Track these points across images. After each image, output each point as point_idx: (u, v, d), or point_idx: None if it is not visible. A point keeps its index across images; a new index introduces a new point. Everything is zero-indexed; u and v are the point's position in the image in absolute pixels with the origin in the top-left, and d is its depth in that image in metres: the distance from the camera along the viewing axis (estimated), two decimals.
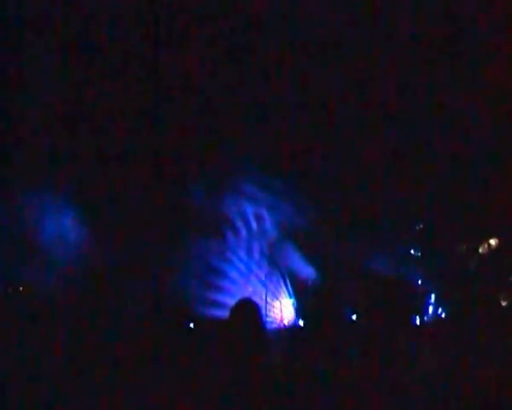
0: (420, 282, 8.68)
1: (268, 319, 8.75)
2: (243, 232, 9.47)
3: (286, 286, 9.33)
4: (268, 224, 9.48)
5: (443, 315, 8.19)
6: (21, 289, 8.11)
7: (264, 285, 9.20)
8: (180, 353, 4.19)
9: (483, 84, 8.52)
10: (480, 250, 8.32)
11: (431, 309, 8.48)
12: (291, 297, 9.27)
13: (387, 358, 3.39)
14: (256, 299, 7.17)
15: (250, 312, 3.39)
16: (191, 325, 8.64)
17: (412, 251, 8.87)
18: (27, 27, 8.81)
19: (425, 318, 8.34)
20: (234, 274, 9.37)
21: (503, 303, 7.50)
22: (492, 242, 8.29)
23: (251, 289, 9.27)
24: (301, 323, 8.94)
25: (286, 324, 9.10)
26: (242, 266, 9.43)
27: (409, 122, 8.86)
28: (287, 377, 3.15)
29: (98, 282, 8.37)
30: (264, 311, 8.18)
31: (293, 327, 8.87)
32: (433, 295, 8.56)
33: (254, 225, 9.49)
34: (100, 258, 8.76)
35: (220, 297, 9.04)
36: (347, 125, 9.08)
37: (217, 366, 3.24)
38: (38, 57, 8.79)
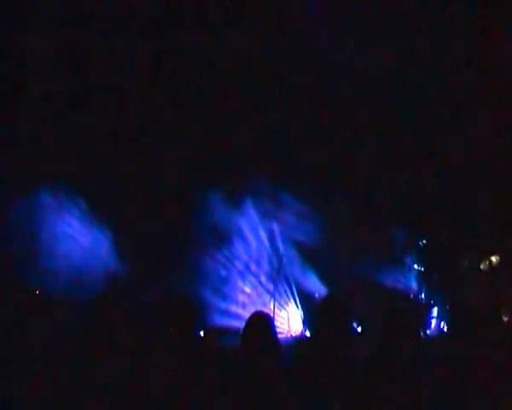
0: (423, 296, 8.81)
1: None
2: (253, 244, 9.57)
3: (294, 297, 9.39)
4: (278, 236, 9.60)
5: (445, 329, 8.26)
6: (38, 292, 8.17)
7: (273, 296, 9.25)
8: (190, 361, 4.27)
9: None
10: (482, 267, 8.40)
11: (434, 323, 8.59)
12: (299, 308, 9.34)
13: (395, 369, 3.50)
14: (264, 309, 7.33)
15: (264, 324, 3.54)
16: (201, 334, 8.69)
17: (416, 266, 9.00)
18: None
19: (428, 331, 8.43)
20: (243, 284, 9.47)
21: (505, 319, 7.55)
22: (493, 258, 8.37)
23: (259, 300, 9.39)
24: (308, 334, 8.99)
25: (293, 334, 9.14)
26: (252, 277, 9.53)
27: (416, 139, 8.96)
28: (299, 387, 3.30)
29: (112, 286, 8.46)
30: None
31: (301, 338, 8.90)
32: (435, 309, 8.68)
33: (264, 237, 9.61)
34: (114, 263, 8.95)
35: (230, 307, 9.17)
36: (356, 141, 9.17)
37: (230, 376, 3.39)
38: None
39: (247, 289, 9.48)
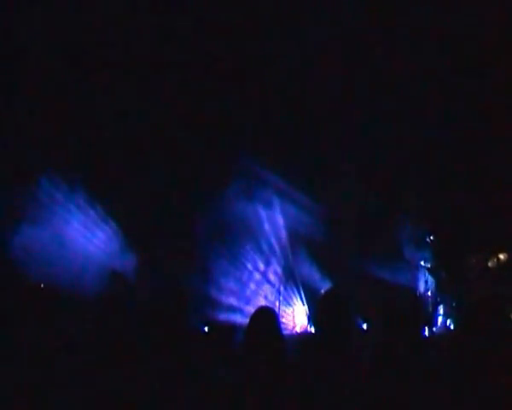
0: (429, 293, 8.77)
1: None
2: (260, 240, 9.57)
3: (299, 293, 9.43)
4: (283, 231, 9.62)
5: (451, 326, 8.24)
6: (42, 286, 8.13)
7: (278, 292, 9.29)
8: (195, 356, 4.27)
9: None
10: (490, 264, 8.35)
11: (440, 320, 8.56)
12: (304, 304, 9.37)
13: (400, 367, 3.47)
14: (270, 305, 7.32)
15: (268, 320, 3.53)
16: (206, 329, 8.72)
17: (423, 263, 8.97)
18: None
19: (434, 329, 8.39)
20: (248, 280, 9.50)
21: None
22: (501, 256, 8.32)
23: (265, 296, 9.43)
24: (313, 330, 9.07)
25: (298, 330, 9.17)
26: (257, 273, 9.56)
27: (422, 136, 8.93)
28: (303, 383, 3.28)
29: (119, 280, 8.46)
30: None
31: (305, 334, 8.93)
32: (441, 307, 8.64)
33: (270, 232, 9.63)
34: (118, 256, 8.96)
35: (235, 302, 9.21)
36: (360, 135, 9.17)
37: (235, 371, 3.38)
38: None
39: (253, 285, 9.48)
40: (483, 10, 8.25)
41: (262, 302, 8.94)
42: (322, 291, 9.05)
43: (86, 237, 9.01)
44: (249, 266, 9.52)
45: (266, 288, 9.49)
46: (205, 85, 9.12)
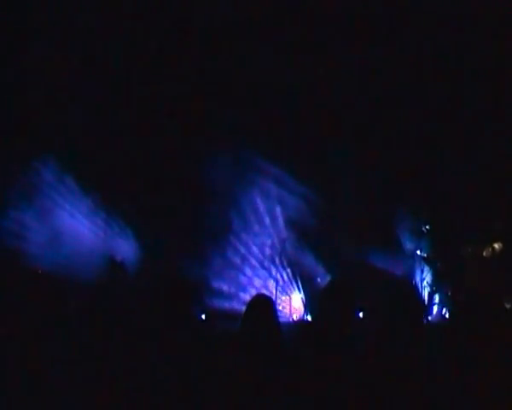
0: (425, 282, 8.82)
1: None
2: (256, 227, 9.62)
3: (296, 282, 9.46)
4: (280, 220, 9.64)
5: (447, 315, 8.30)
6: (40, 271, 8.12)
7: (275, 280, 9.31)
8: (192, 344, 4.28)
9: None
10: (484, 253, 8.40)
11: (435, 309, 8.61)
12: (300, 292, 9.41)
13: (395, 356, 3.49)
14: (266, 293, 7.34)
15: (265, 307, 3.55)
16: (203, 317, 8.73)
17: (418, 252, 9.01)
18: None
19: (429, 318, 8.44)
20: (245, 268, 9.51)
21: (507, 306, 7.55)
22: (496, 245, 8.37)
23: (262, 283, 9.47)
24: (309, 318, 9.04)
25: (295, 319, 9.19)
26: (254, 261, 9.59)
27: (417, 129, 8.95)
28: (300, 371, 3.31)
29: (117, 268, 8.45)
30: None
31: (301, 322, 8.94)
32: (437, 296, 8.68)
33: (267, 220, 9.65)
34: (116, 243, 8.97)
35: (232, 290, 9.23)
36: (357, 125, 9.17)
37: (231, 359, 3.41)
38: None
39: (250, 273, 9.50)
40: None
41: (259, 290, 8.97)
42: (319, 279, 9.11)
43: (83, 222, 9.00)
44: (246, 253, 9.53)
45: (263, 276, 9.51)
46: (203, 77, 9.12)
